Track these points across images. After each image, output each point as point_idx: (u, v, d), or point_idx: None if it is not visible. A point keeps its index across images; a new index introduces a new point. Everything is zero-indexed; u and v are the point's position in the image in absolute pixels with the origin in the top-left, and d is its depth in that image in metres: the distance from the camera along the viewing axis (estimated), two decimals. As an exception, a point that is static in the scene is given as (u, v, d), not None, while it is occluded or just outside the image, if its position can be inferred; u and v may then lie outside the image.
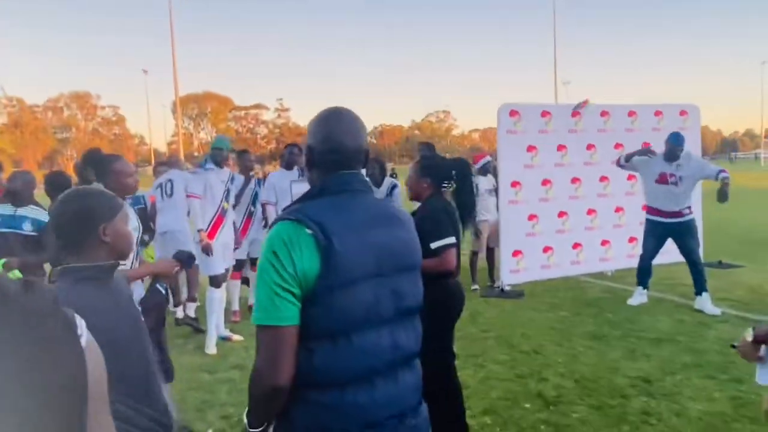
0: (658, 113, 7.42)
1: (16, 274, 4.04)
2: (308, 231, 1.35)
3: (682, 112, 7.53)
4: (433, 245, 2.75)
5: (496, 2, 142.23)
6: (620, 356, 4.56)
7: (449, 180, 3.09)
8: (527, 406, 3.75)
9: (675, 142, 5.72)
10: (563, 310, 5.99)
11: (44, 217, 4.30)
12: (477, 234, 7.00)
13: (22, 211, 4.22)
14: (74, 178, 4.96)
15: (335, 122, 1.50)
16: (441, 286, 2.80)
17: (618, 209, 7.29)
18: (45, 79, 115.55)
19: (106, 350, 0.80)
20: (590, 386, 4.02)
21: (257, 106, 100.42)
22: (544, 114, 6.94)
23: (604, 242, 7.30)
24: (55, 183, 4.86)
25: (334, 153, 1.47)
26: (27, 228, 4.21)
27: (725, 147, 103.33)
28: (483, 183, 7.00)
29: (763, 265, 7.77)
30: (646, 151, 6.00)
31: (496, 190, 6.96)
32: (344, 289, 1.37)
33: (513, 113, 6.80)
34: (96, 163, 3.85)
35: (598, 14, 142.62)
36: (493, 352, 4.76)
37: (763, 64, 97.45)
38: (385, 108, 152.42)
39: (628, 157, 6.05)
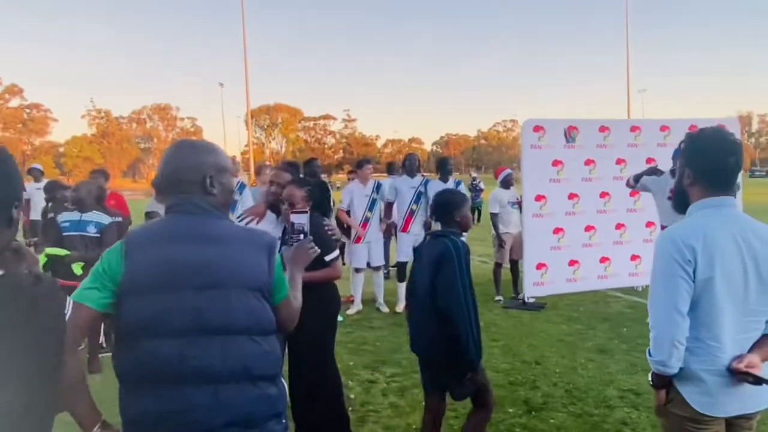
0: (664, 128, 7.29)
1: (78, 267, 4.68)
2: (122, 242, 1.62)
3: (692, 127, 7.22)
4: (328, 258, 3.09)
5: (567, 9, 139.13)
6: (619, 369, 4.62)
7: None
8: (510, 410, 3.93)
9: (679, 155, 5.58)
10: (579, 323, 6.05)
11: (106, 219, 4.95)
12: (501, 245, 7.15)
13: (86, 216, 4.87)
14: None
15: (170, 154, 1.72)
16: (327, 288, 3.26)
17: (649, 224, 7.21)
18: (130, 91, 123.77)
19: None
20: (578, 396, 4.13)
21: (325, 117, 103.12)
22: (571, 129, 7.01)
23: (634, 257, 7.24)
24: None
25: (166, 180, 1.69)
26: (91, 230, 4.86)
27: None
28: (505, 195, 7.15)
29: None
30: (652, 170, 5.78)
31: (519, 203, 7.09)
32: (137, 296, 1.55)
33: (537, 128, 6.91)
34: None
35: (679, 15, 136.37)
36: (495, 361, 4.93)
37: None
38: (452, 118, 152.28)
39: (637, 178, 5.85)
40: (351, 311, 6.73)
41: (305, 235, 2.10)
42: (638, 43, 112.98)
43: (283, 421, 1.71)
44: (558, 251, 7.02)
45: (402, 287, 6.82)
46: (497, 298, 7.15)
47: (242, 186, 6.49)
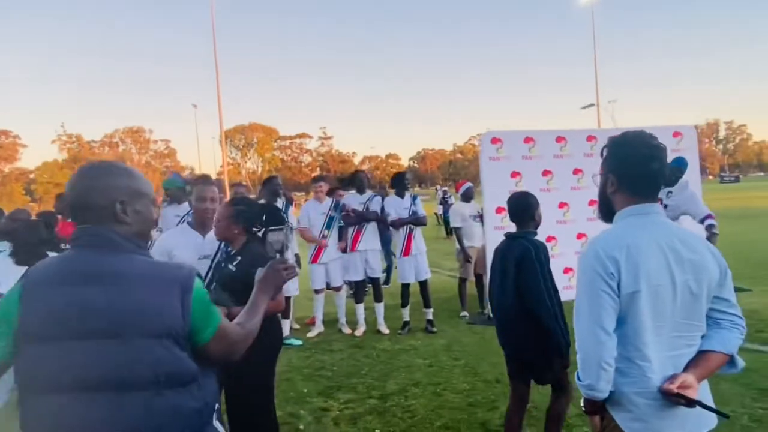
0: (649, 135, 7.30)
1: None
2: (20, 283, 1.44)
3: (676, 134, 7.38)
4: None
5: (538, 23, 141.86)
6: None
7: (259, 224, 3.04)
8: (465, 434, 3.75)
9: (677, 165, 5.41)
10: (543, 337, 5.91)
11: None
12: (467, 259, 7.03)
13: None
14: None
15: (76, 177, 1.53)
16: (268, 323, 2.89)
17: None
18: (101, 114, 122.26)
19: None
20: (538, 416, 3.97)
21: (301, 135, 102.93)
22: (527, 140, 6.96)
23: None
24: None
25: (72, 206, 1.52)
26: None
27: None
28: (467, 209, 7.05)
29: (771, 289, 7.44)
30: None
31: (481, 216, 6.98)
32: (27, 345, 1.37)
33: (495, 140, 6.85)
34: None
35: (645, 27, 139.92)
36: (455, 381, 4.77)
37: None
38: (428, 133, 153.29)
39: None
40: (311, 334, 6.53)
41: (281, 255, 1.92)
42: (608, 54, 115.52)
43: None
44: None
45: (360, 308, 6.65)
46: (462, 313, 7.01)
47: (338, 203, 6.66)
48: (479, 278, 7.15)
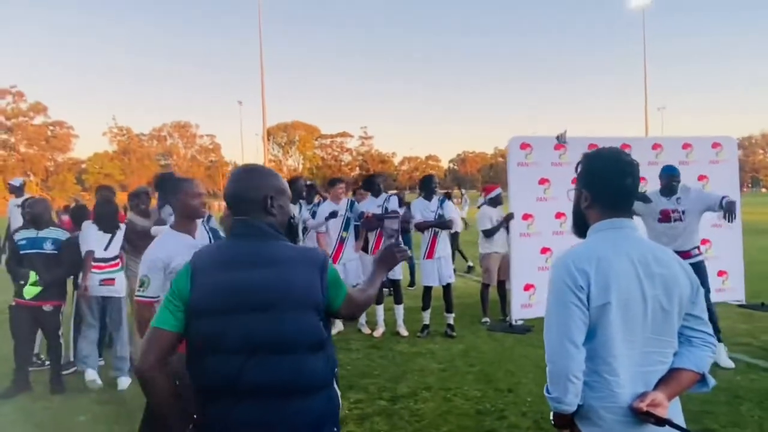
0: (686, 146, 7.07)
1: (32, 291, 4.66)
2: (189, 265, 1.76)
3: (715, 144, 7.13)
4: None
5: (584, 26, 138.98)
6: (594, 399, 4.38)
7: None
8: (469, 442, 3.73)
9: (669, 172, 5.38)
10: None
11: (63, 236, 4.91)
12: (489, 265, 6.96)
13: (43, 233, 4.83)
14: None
15: (236, 175, 1.88)
16: None
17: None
18: (150, 109, 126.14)
19: None
20: (546, 427, 3.91)
21: (342, 134, 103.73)
22: (558, 147, 6.83)
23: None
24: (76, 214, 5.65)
25: (232, 199, 1.84)
26: (48, 247, 4.82)
27: None
28: (495, 214, 6.97)
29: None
30: (641, 196, 5.55)
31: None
32: (199, 316, 1.68)
33: (524, 146, 6.76)
34: (164, 184, 4.30)
35: (696, 36, 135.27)
36: (467, 387, 4.73)
37: None
38: (469, 135, 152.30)
39: None
40: (332, 332, 6.58)
41: (396, 239, 2.19)
42: (657, 60, 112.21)
43: (335, 429, 1.78)
44: (546, 272, 6.74)
45: (380, 309, 6.66)
46: (484, 319, 6.94)
47: (353, 203, 6.73)
48: (501, 284, 7.07)
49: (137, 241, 5.02)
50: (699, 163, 7.06)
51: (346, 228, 6.52)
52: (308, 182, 7.59)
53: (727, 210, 5.04)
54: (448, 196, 11.53)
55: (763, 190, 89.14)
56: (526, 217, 6.77)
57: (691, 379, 1.68)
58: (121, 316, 5.11)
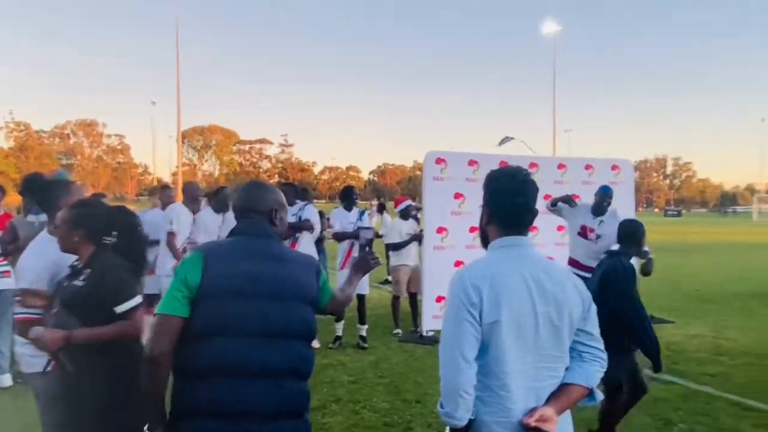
0: (588, 167, 7.54)
1: None
2: (200, 254, 1.89)
3: (614, 167, 7.64)
4: (120, 308, 2.31)
5: (503, 50, 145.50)
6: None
7: (108, 234, 2.45)
8: (375, 455, 3.72)
9: (602, 191, 5.69)
10: (471, 358, 5.95)
11: None
12: (398, 278, 7.04)
13: None
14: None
15: (247, 187, 2.14)
16: (120, 351, 2.30)
17: (549, 258, 7.31)
18: (53, 105, 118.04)
19: None
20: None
21: (262, 141, 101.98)
22: (472, 163, 7.06)
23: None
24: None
25: (242, 207, 2.07)
26: None
27: (725, 200, 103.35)
28: (404, 227, 7.06)
29: (693, 321, 7.74)
30: (568, 198, 5.89)
31: (417, 235, 7.01)
32: (215, 299, 1.81)
33: (439, 161, 6.92)
34: (33, 186, 3.86)
35: (603, 65, 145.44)
36: (376, 399, 4.74)
37: (763, 121, 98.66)
38: (390, 147, 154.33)
39: (554, 202, 5.97)
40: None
41: (369, 249, 2.55)
42: (566, 85, 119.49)
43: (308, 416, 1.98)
44: (457, 284, 6.97)
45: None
46: (396, 331, 7.00)
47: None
48: (413, 296, 7.16)
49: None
50: (600, 183, 7.52)
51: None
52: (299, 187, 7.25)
53: (642, 266, 5.34)
54: (382, 207, 11.52)
55: (656, 210, 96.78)
56: (440, 230, 6.92)
57: (581, 393, 1.76)
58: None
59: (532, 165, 7.27)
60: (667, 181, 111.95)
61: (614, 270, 3.66)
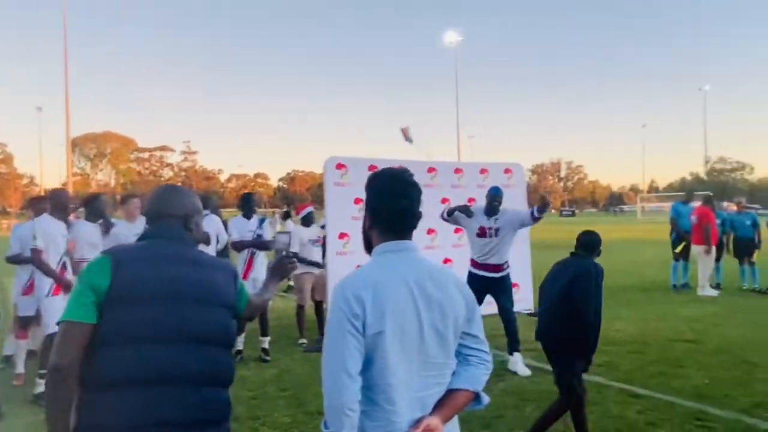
0: (483, 171, 7.78)
1: None
2: (107, 257, 1.78)
3: (507, 170, 7.94)
4: None
5: (402, 59, 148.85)
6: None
7: None
8: (272, 474, 3.55)
9: (492, 193, 5.84)
10: (376, 364, 5.91)
11: None
12: (301, 286, 6.89)
13: None
14: None
15: (161, 191, 2.05)
16: None
17: (446, 260, 7.47)
18: None
19: None
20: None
21: (162, 148, 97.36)
22: (372, 168, 7.04)
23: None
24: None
25: (156, 212, 1.98)
26: None
27: (613, 200, 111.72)
28: (306, 233, 6.93)
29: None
30: (464, 208, 5.99)
31: (321, 242, 6.90)
32: (127, 305, 1.71)
33: (340, 166, 6.87)
34: None
35: (504, 72, 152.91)
36: (277, 414, 4.55)
37: (644, 126, 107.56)
38: (299, 154, 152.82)
39: (450, 212, 6.05)
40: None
41: (286, 253, 2.47)
42: (469, 93, 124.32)
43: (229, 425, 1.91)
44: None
45: None
46: (300, 341, 6.82)
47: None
48: (319, 304, 7.03)
49: None
50: (468, 186, 7.78)
51: None
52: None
53: (542, 207, 5.82)
54: (287, 214, 11.20)
55: (553, 211, 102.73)
56: (342, 236, 6.85)
57: (467, 398, 1.71)
58: None
59: (431, 169, 7.42)
60: (562, 184, 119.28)
61: (586, 270, 3.75)
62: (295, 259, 2.45)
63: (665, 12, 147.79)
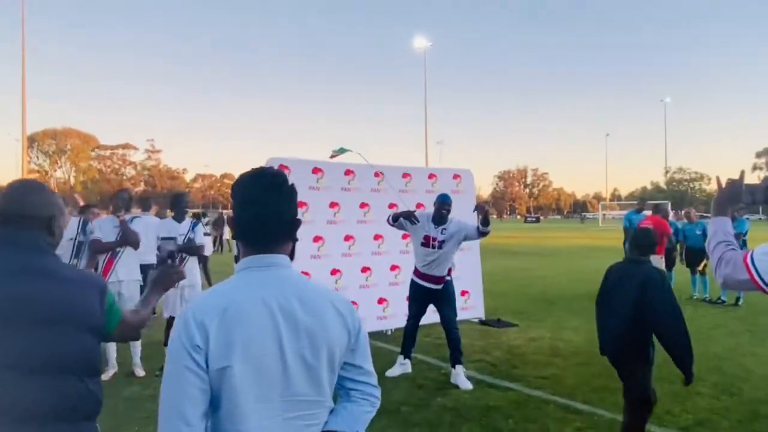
0: (432, 176, 7.58)
1: None
2: None
3: (456, 176, 7.76)
4: None
5: (371, 63, 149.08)
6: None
7: None
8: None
9: (440, 200, 5.59)
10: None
11: None
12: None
13: None
14: None
15: (14, 193, 1.76)
16: None
17: (394, 267, 7.23)
18: None
19: None
20: None
21: (125, 146, 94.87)
22: (316, 170, 6.78)
23: (381, 300, 7.16)
24: None
25: (10, 213, 1.72)
26: None
27: (577, 208, 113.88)
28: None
29: (535, 323, 8.06)
30: (409, 214, 5.62)
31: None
32: None
33: (282, 167, 6.54)
34: None
35: (472, 79, 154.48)
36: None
37: (607, 136, 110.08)
38: (268, 153, 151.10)
39: (396, 217, 5.73)
40: (105, 376, 5.48)
41: (172, 260, 2.20)
42: (437, 98, 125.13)
43: None
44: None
45: (111, 347, 5.77)
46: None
47: (86, 223, 5.71)
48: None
49: None
50: (442, 191, 7.58)
51: (77, 255, 5.49)
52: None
53: (484, 220, 5.32)
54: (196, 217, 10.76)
55: (519, 216, 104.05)
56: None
57: None
58: None
59: (377, 174, 7.16)
60: (527, 190, 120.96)
61: (654, 278, 3.49)
62: (181, 270, 2.18)
63: (629, 24, 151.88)
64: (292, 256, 1.52)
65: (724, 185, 2.03)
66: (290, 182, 1.51)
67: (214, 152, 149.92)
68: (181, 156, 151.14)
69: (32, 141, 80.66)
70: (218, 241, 22.73)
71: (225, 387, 1.29)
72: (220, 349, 1.29)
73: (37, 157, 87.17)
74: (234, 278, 1.43)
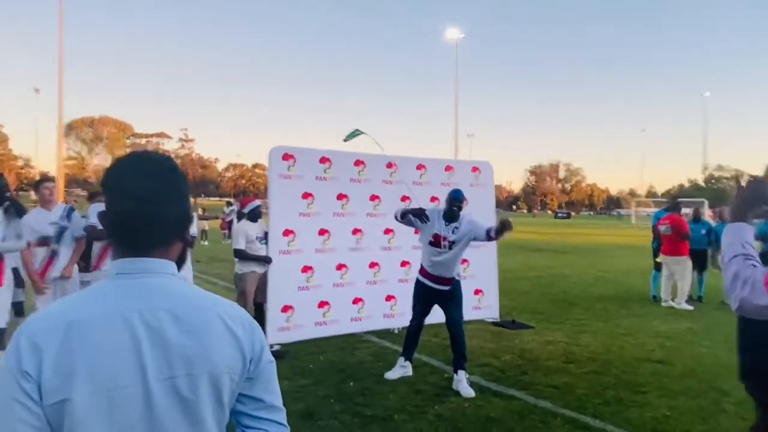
0: (449, 168, 7.24)
1: None
2: None
3: (474, 169, 7.39)
4: None
5: (403, 56, 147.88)
6: (314, 439, 3.98)
7: None
8: None
9: (453, 196, 5.24)
10: (309, 376, 5.38)
11: None
12: (243, 288, 6.33)
13: None
14: None
15: None
16: None
17: (404, 263, 6.93)
18: None
19: None
20: None
21: (159, 135, 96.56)
22: (323, 160, 6.51)
23: (389, 297, 6.88)
24: None
25: None
26: None
27: (611, 204, 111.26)
28: (252, 229, 6.37)
29: (552, 326, 7.67)
30: (419, 212, 5.20)
31: (266, 238, 6.34)
32: None
33: (287, 157, 6.31)
34: None
35: (504, 73, 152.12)
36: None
37: (643, 131, 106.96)
38: (300, 145, 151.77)
39: (404, 214, 5.33)
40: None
41: None
42: (469, 91, 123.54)
43: None
44: (307, 291, 6.41)
45: None
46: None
47: (71, 210, 5.54)
48: (259, 307, 6.48)
49: None
50: (459, 185, 7.26)
51: (58, 240, 5.32)
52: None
53: (500, 231, 4.92)
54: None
55: (549, 212, 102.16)
56: (287, 233, 6.30)
57: None
58: None
59: (390, 165, 6.86)
60: (560, 185, 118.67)
61: None
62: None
63: (667, 16, 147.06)
64: (181, 261, 1.24)
65: (744, 185, 1.69)
66: (180, 171, 1.23)
67: (246, 143, 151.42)
68: (214, 145, 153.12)
69: (70, 129, 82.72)
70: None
71: (66, 426, 1.02)
72: (58, 378, 1.01)
73: (75, 145, 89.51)
74: (94, 287, 1.15)
